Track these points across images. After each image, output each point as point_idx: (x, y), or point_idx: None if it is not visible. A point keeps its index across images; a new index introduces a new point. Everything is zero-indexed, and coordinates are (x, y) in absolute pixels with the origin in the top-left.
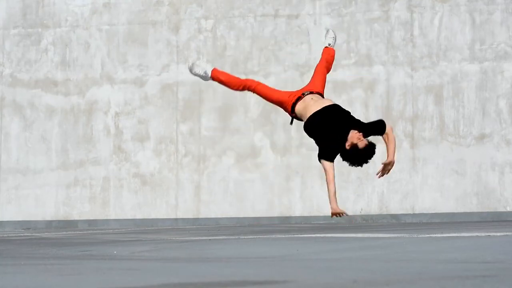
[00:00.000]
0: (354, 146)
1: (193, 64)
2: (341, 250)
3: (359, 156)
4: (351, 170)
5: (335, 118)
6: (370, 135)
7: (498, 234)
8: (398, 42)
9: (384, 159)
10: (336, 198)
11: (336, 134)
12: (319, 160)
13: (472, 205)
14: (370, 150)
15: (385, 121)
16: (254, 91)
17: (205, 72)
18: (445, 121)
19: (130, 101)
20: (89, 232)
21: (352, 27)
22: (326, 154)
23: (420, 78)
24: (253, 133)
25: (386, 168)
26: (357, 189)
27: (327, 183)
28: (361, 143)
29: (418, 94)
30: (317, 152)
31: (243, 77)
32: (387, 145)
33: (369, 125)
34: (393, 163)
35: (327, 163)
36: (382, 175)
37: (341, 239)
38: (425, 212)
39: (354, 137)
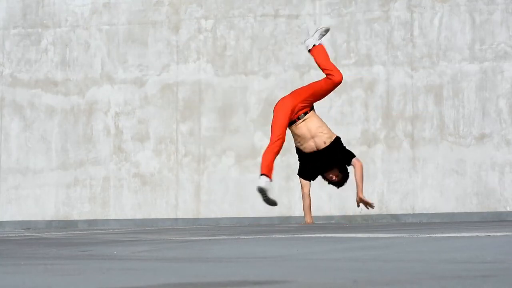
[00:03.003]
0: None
1: None
2: (341, 250)
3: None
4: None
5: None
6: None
7: (498, 234)
8: (398, 42)
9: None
10: (310, 211)
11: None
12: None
13: (472, 205)
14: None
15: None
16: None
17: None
18: (445, 121)
19: (130, 101)
20: (89, 232)
21: (352, 27)
22: (306, 174)
23: (420, 78)
24: (253, 133)
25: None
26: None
27: (303, 197)
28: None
29: (418, 94)
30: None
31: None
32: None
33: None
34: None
35: (304, 181)
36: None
37: (341, 239)
38: (425, 212)
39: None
